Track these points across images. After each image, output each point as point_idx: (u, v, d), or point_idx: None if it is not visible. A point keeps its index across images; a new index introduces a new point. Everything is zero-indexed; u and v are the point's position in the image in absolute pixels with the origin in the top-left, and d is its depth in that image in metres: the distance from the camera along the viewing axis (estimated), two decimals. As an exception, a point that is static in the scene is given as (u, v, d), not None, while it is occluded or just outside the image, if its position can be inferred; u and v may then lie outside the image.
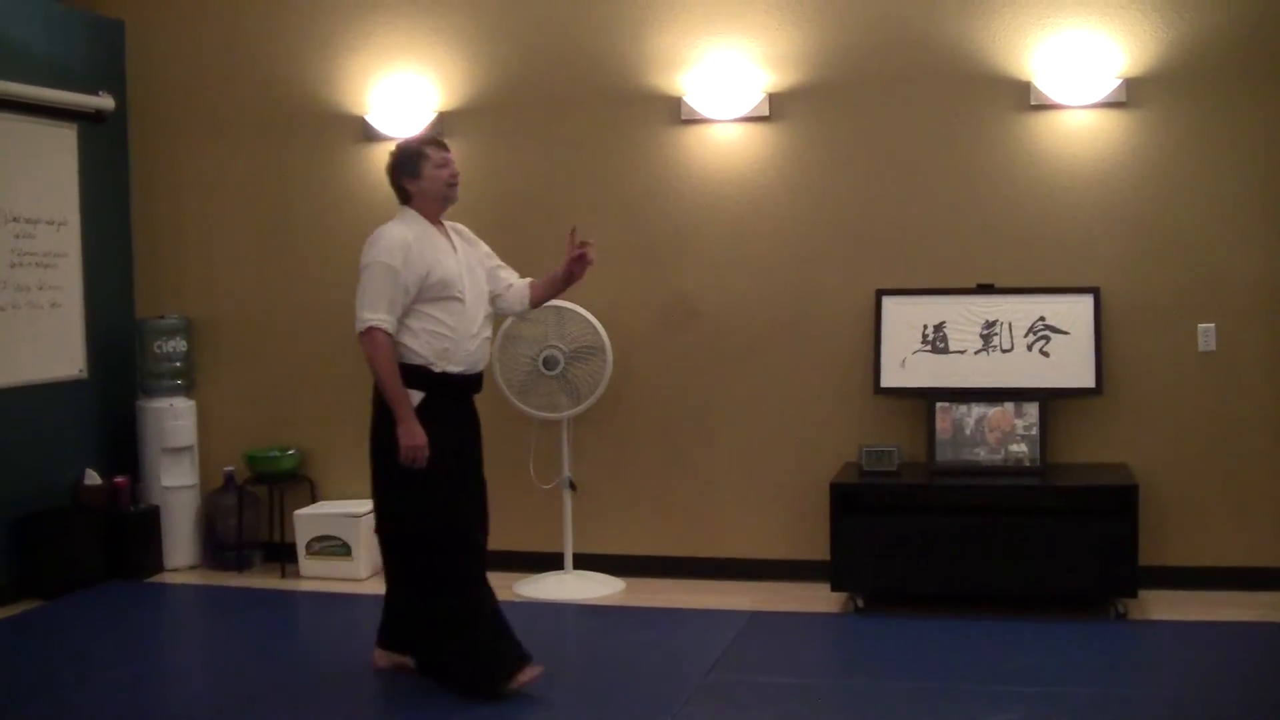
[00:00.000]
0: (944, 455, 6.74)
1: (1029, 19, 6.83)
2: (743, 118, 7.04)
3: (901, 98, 6.99)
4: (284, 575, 7.51)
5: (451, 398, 5.44)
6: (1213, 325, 6.77)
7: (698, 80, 7.11)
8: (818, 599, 6.63)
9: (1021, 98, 6.87)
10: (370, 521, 7.29)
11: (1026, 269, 6.90)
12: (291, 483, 7.68)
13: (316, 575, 7.45)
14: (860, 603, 6.60)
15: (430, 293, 5.31)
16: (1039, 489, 6.58)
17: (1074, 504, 6.51)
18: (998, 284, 6.89)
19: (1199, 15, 6.69)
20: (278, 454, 7.64)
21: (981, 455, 6.72)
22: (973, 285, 6.91)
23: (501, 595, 6.91)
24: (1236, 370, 6.71)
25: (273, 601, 7.14)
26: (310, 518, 7.49)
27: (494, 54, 7.39)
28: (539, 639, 6.33)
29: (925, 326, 6.89)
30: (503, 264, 5.79)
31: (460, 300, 5.38)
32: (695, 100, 7.07)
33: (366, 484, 7.47)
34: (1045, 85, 6.82)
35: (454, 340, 5.36)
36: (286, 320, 7.79)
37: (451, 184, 5.49)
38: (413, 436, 5.24)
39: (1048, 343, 6.79)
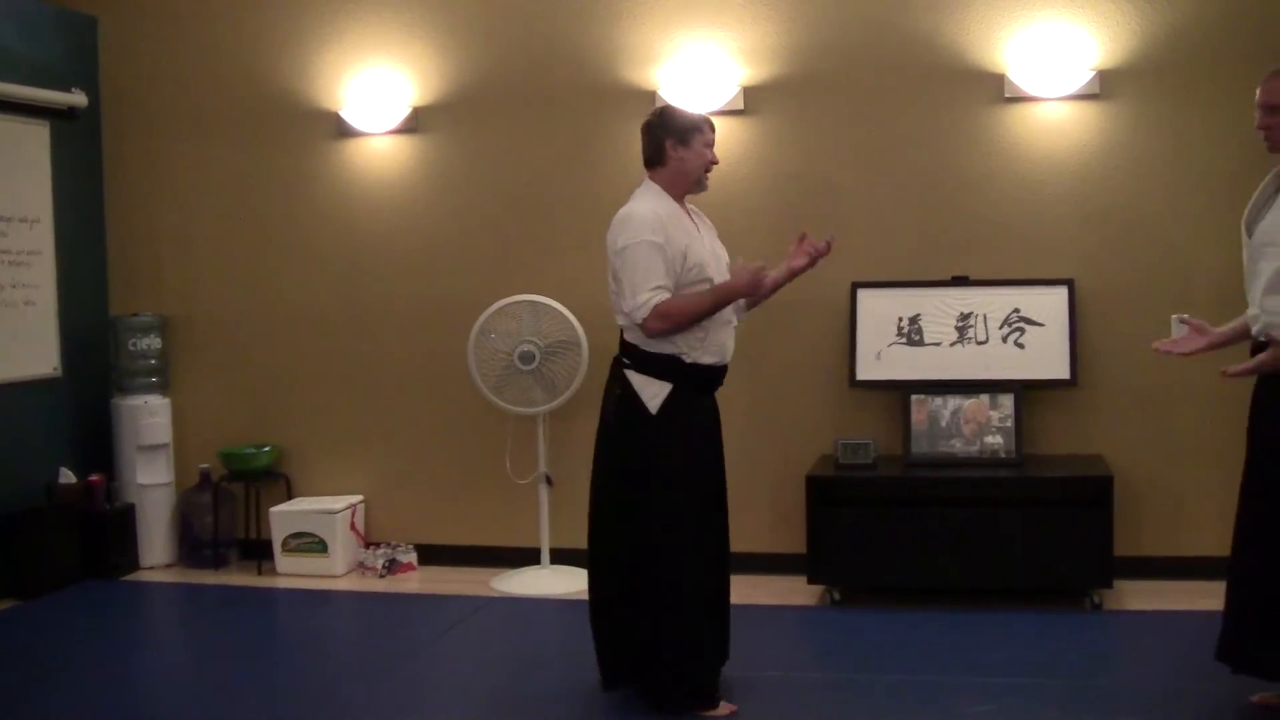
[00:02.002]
0: (920, 447, 6.75)
1: (1002, 11, 6.84)
2: (718, 111, 7.01)
3: (876, 91, 7.00)
4: (260, 572, 7.49)
5: (700, 390, 5.12)
6: (1186, 316, 6.77)
7: (673, 74, 7.11)
8: (794, 592, 6.64)
9: (996, 90, 6.89)
10: (347, 518, 7.37)
11: (1001, 261, 6.91)
12: (267, 480, 7.66)
13: (293, 572, 7.43)
14: (837, 595, 6.61)
15: (686, 276, 4.93)
16: (1015, 480, 6.58)
17: (1050, 495, 6.51)
18: (972, 276, 6.91)
19: (1172, 7, 6.71)
20: (253, 451, 7.62)
21: (957, 447, 6.74)
22: (948, 277, 6.92)
23: (478, 591, 7.00)
24: (1210, 360, 6.69)
25: (249, 599, 7.12)
26: (286, 514, 7.47)
27: (468, 49, 7.38)
28: (517, 634, 6.37)
29: (900, 319, 6.90)
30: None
31: (712, 284, 5.02)
32: (670, 94, 7.06)
33: (343, 479, 7.60)
34: (1019, 78, 6.84)
35: (708, 328, 5.01)
36: (261, 317, 7.77)
37: (708, 170, 5.10)
38: (751, 281, 4.96)
39: (1023, 334, 6.81)
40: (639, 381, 5.03)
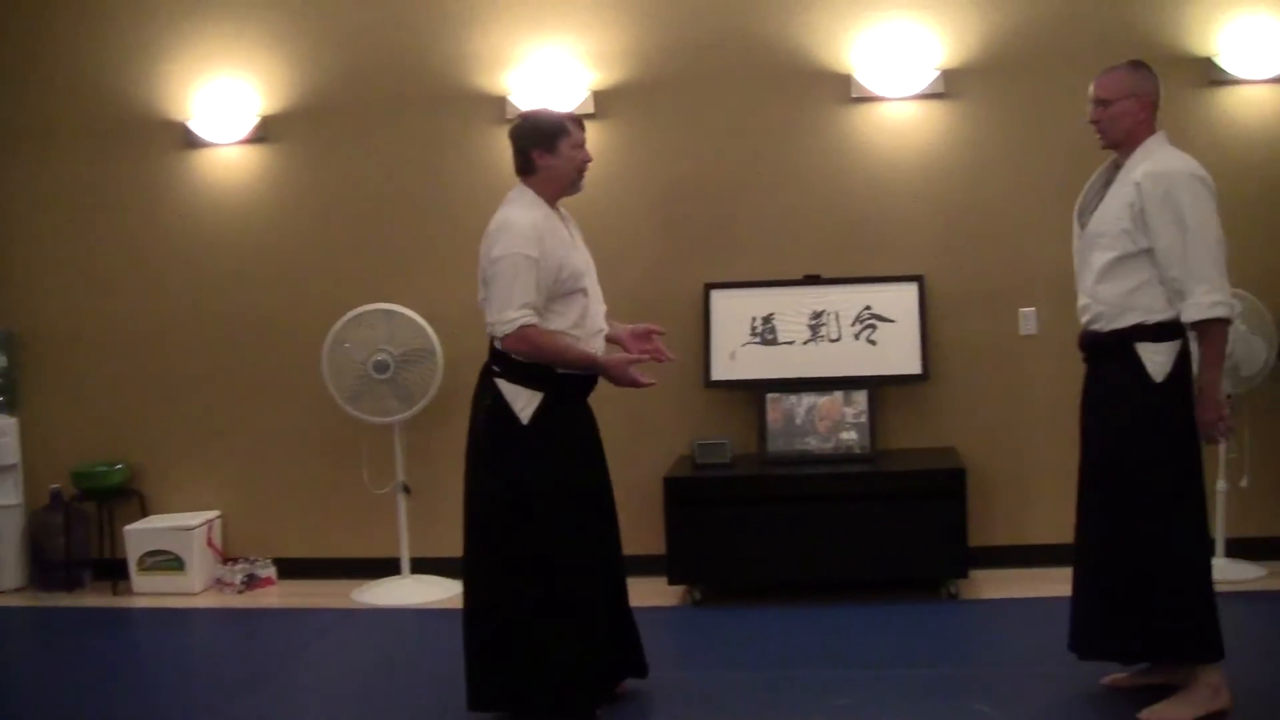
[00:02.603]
0: (776, 446, 6.80)
1: (848, 12, 6.93)
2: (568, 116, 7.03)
3: (725, 93, 7.06)
4: (115, 593, 7.34)
5: (572, 399, 5.03)
6: (1033, 309, 6.94)
7: (523, 79, 7.10)
8: (655, 593, 6.65)
9: (843, 91, 6.97)
10: (204, 534, 7.26)
11: (852, 259, 7.00)
12: (121, 498, 7.50)
13: (149, 591, 7.29)
14: (698, 595, 6.64)
15: (561, 286, 4.84)
16: (870, 475, 6.66)
17: (904, 489, 6.59)
18: (824, 274, 6.98)
19: (1013, 8, 6.86)
20: (105, 469, 7.46)
21: (813, 444, 6.80)
22: (800, 277, 6.99)
23: (338, 603, 6.94)
24: (1057, 352, 6.85)
25: (105, 621, 6.98)
26: (141, 533, 7.33)
27: (317, 57, 7.31)
28: (379, 645, 6.33)
29: (754, 318, 6.95)
30: None
31: (586, 294, 4.95)
32: (521, 99, 7.05)
33: (198, 495, 7.49)
34: (865, 78, 6.93)
35: (581, 338, 4.94)
36: (111, 331, 7.60)
37: (582, 170, 4.99)
38: (622, 376, 4.92)
39: (874, 331, 6.89)
40: (510, 391, 4.92)
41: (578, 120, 5.05)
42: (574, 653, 4.93)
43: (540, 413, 4.90)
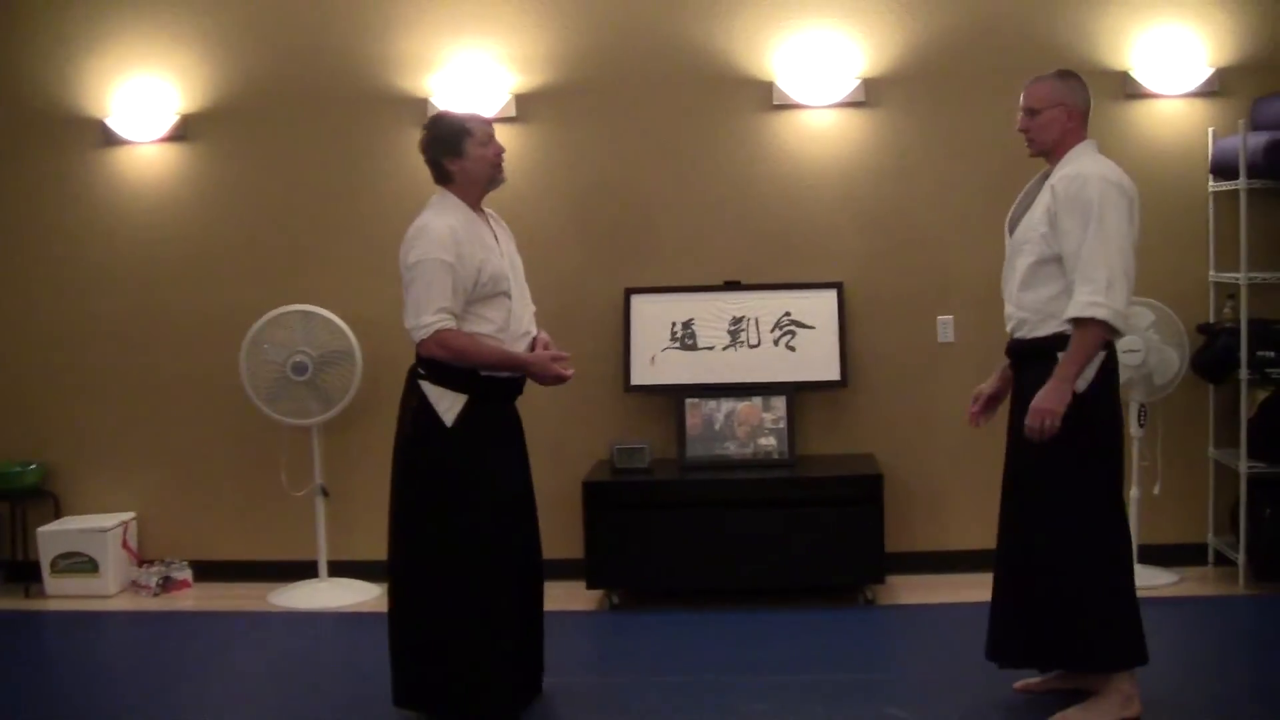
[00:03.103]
0: (695, 451, 6.82)
1: (770, 20, 6.96)
2: (490, 119, 6.99)
3: (647, 98, 7.07)
4: (28, 595, 7.24)
5: (497, 401, 5.03)
6: (951, 317, 7.00)
7: (445, 82, 7.08)
8: (573, 597, 6.65)
9: (764, 98, 7.01)
10: (119, 535, 7.19)
11: (772, 266, 7.04)
12: (34, 498, 7.40)
13: (62, 594, 7.19)
14: (616, 600, 6.66)
15: (482, 290, 4.85)
16: (788, 481, 6.69)
17: (822, 494, 6.62)
18: (744, 281, 7.02)
19: (933, 17, 6.92)
20: (18, 469, 7.36)
21: (731, 450, 6.83)
22: (720, 282, 7.02)
23: (256, 606, 6.91)
24: (974, 359, 6.92)
25: (17, 624, 6.88)
26: (54, 534, 7.24)
27: (238, 56, 7.24)
28: (295, 648, 6.29)
29: (674, 324, 6.97)
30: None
31: (509, 296, 4.96)
32: (442, 102, 7.03)
33: (113, 496, 7.41)
34: (787, 85, 6.97)
35: (505, 341, 4.95)
36: (24, 330, 7.48)
37: (497, 165, 4.98)
38: (545, 375, 4.99)
39: (794, 337, 6.93)
40: (434, 393, 4.93)
41: (480, 117, 5.06)
42: (495, 655, 4.94)
43: (464, 415, 4.90)
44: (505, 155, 5.08)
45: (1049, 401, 4.67)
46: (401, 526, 5.07)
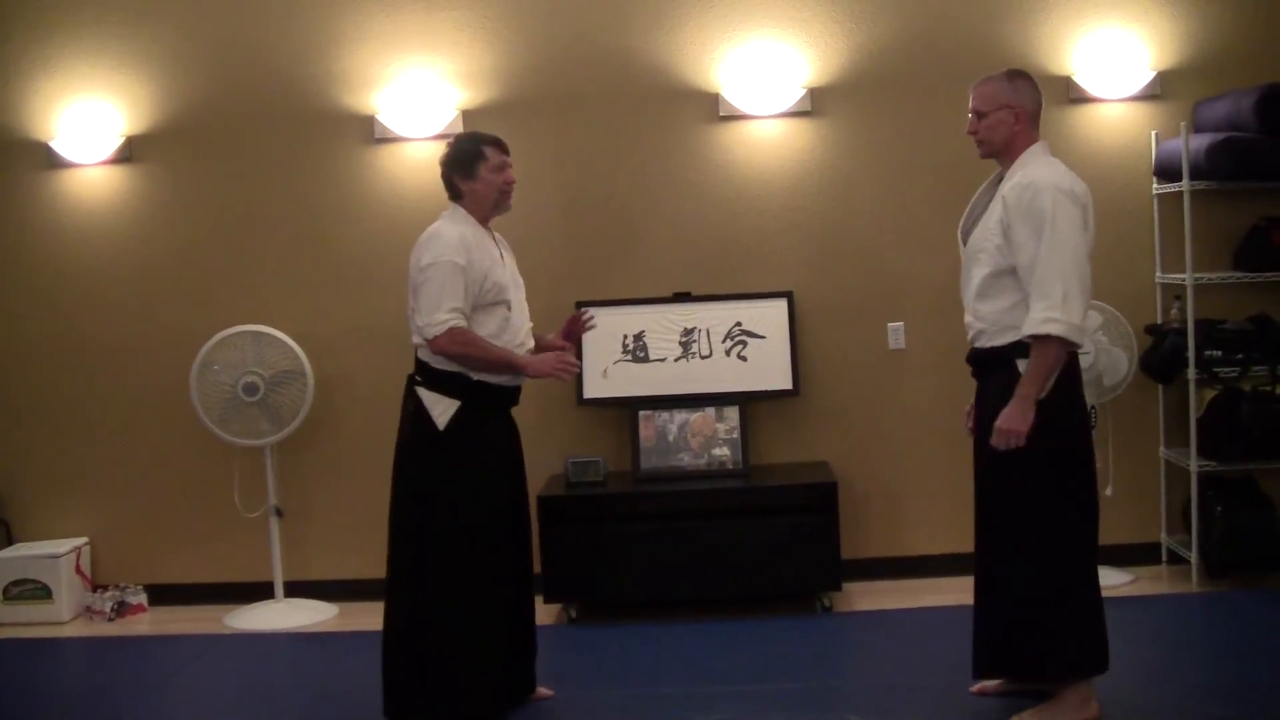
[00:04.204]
0: (649, 463, 6.83)
1: (715, 31, 6.98)
2: (436, 135, 7.01)
3: (594, 111, 7.07)
4: (-20, 623, 7.20)
5: (489, 409, 5.19)
6: (901, 324, 7.03)
7: (391, 99, 7.07)
8: (531, 611, 6.65)
9: (711, 109, 7.02)
10: (72, 561, 7.14)
11: (722, 276, 7.05)
12: (-15, 526, 7.37)
13: (15, 621, 7.11)
14: (573, 613, 6.65)
15: (485, 297, 5.08)
16: (743, 491, 6.71)
17: (777, 503, 6.66)
18: (695, 292, 7.02)
19: (877, 26, 6.95)
20: (-32, 497, 7.33)
21: (685, 461, 6.83)
22: (670, 294, 7.03)
23: (212, 629, 6.86)
24: (925, 366, 6.97)
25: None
26: (6, 561, 7.17)
27: (183, 77, 7.19)
28: (251, 671, 6.26)
29: (625, 336, 6.97)
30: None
31: (508, 307, 5.18)
32: (389, 119, 7.03)
33: (66, 521, 7.36)
34: (733, 96, 6.98)
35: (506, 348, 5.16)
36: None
37: (505, 191, 5.23)
38: (542, 372, 5.17)
39: (745, 347, 6.94)
40: (429, 398, 5.11)
41: (499, 144, 5.26)
42: (478, 662, 5.08)
43: (457, 421, 5.09)
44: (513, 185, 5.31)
45: (1012, 421, 4.69)
46: (396, 530, 5.22)
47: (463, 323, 5.01)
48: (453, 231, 5.09)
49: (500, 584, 5.16)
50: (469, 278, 5.01)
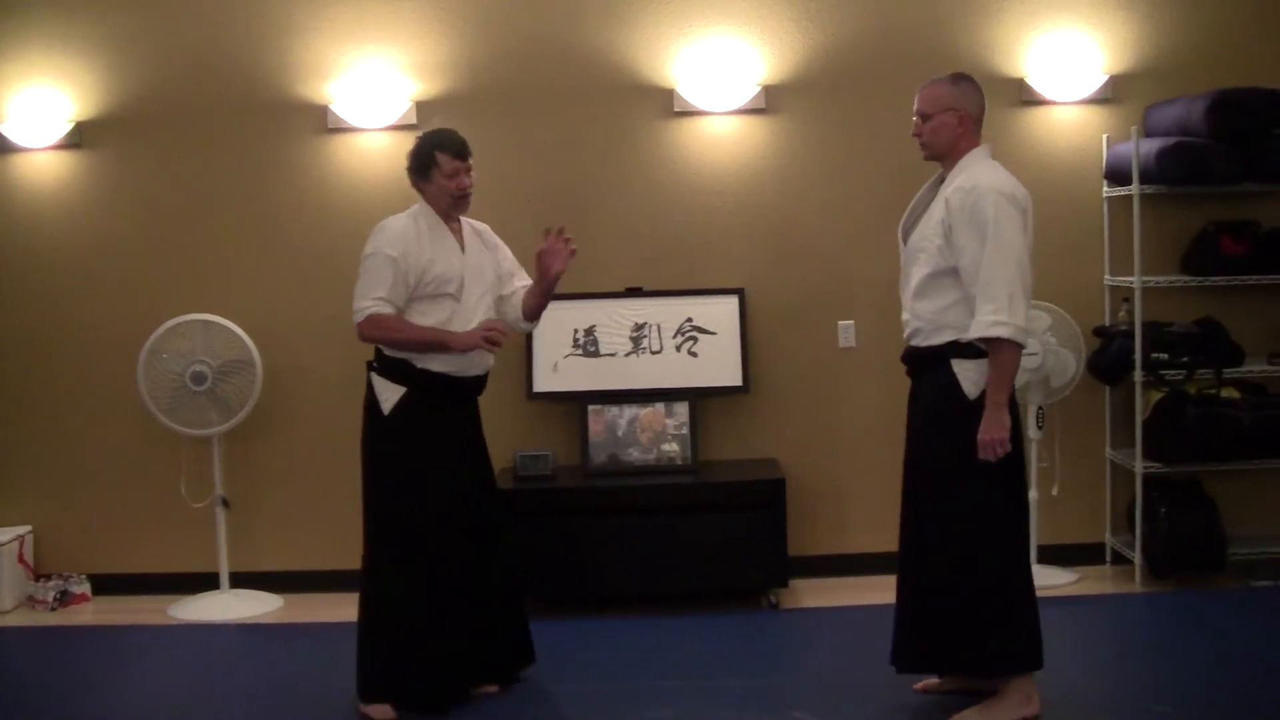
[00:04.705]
0: (598, 457, 6.83)
1: (671, 27, 6.98)
2: (391, 126, 6.99)
3: (549, 105, 7.07)
4: (-80, 611, 7.13)
5: (438, 398, 5.28)
6: (852, 322, 7.06)
7: (345, 89, 7.04)
8: (478, 605, 6.63)
9: (665, 105, 7.03)
10: (14, 550, 7.08)
11: (674, 272, 7.07)
12: (-73, 513, 7.29)
13: (-45, 609, 7.09)
14: (521, 607, 6.64)
15: (426, 288, 5.18)
16: (691, 486, 6.72)
17: (725, 500, 6.66)
18: (646, 287, 7.03)
19: (833, 24, 6.98)
20: (-89, 483, 7.24)
21: (635, 456, 6.83)
22: (622, 289, 7.03)
23: (155, 619, 6.83)
24: (874, 364, 7.00)
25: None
26: (-52, 549, 7.12)
27: (133, 63, 7.13)
28: (196, 662, 6.22)
29: (576, 330, 6.97)
30: (520, 269, 5.63)
31: (455, 299, 5.24)
32: (342, 109, 7.00)
33: (8, 510, 7.31)
34: (688, 92, 6.99)
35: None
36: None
37: (457, 197, 5.29)
38: (468, 345, 5.20)
39: (696, 343, 6.95)
40: (378, 384, 5.28)
41: (456, 150, 5.31)
42: (426, 650, 5.20)
43: (401, 407, 5.22)
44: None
45: (991, 431, 4.75)
46: (363, 515, 5.36)
47: (384, 309, 5.14)
48: (398, 224, 5.23)
49: (446, 572, 5.22)
50: (400, 269, 5.13)
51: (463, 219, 5.45)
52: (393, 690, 5.22)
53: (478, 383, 5.42)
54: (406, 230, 5.20)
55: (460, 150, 5.30)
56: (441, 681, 5.26)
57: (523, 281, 5.59)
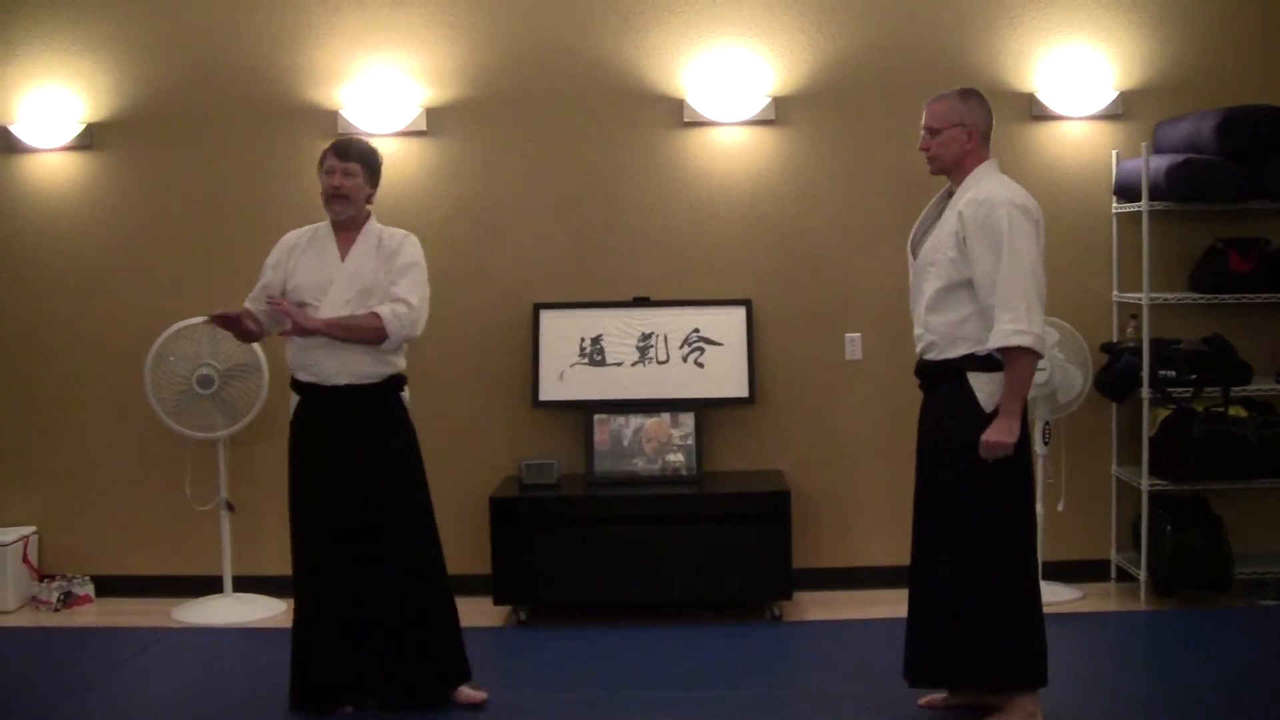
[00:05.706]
0: (603, 466, 6.83)
1: (682, 38, 6.99)
2: (400, 132, 7.00)
3: (559, 113, 7.07)
4: (-77, 612, 7.12)
5: (316, 407, 5.35)
6: (859, 335, 7.05)
7: (355, 94, 7.04)
8: (481, 613, 6.60)
9: (675, 114, 7.03)
10: (19, 550, 7.08)
11: (681, 282, 7.07)
12: (-69, 513, 7.29)
13: (-42, 609, 7.09)
14: (523, 615, 6.64)
15: (291, 296, 5.30)
16: (695, 497, 6.71)
17: (730, 511, 6.66)
18: (653, 297, 7.03)
19: (842, 37, 6.97)
20: (-87, 483, 7.24)
21: (639, 465, 6.83)
22: (629, 298, 7.03)
23: (158, 622, 6.82)
24: (881, 377, 6.99)
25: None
26: (-50, 549, 7.12)
27: (146, 65, 7.14)
28: (198, 664, 6.22)
29: (583, 339, 6.97)
30: (403, 279, 5.28)
31: (314, 307, 5.25)
32: (353, 114, 7.00)
33: (14, 510, 7.31)
34: (698, 103, 6.99)
35: (298, 348, 5.30)
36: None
37: (328, 195, 5.30)
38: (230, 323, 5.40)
39: (702, 354, 6.95)
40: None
41: (336, 147, 5.36)
42: (308, 653, 5.38)
43: (295, 416, 5.43)
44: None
45: (999, 434, 4.74)
46: None
47: (246, 304, 5.43)
48: (289, 237, 5.47)
49: (323, 583, 5.34)
50: (268, 279, 5.39)
51: (381, 229, 5.37)
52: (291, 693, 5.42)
53: (344, 393, 5.28)
54: (289, 242, 5.42)
55: (341, 150, 5.32)
56: (311, 681, 5.37)
57: (400, 291, 5.27)
